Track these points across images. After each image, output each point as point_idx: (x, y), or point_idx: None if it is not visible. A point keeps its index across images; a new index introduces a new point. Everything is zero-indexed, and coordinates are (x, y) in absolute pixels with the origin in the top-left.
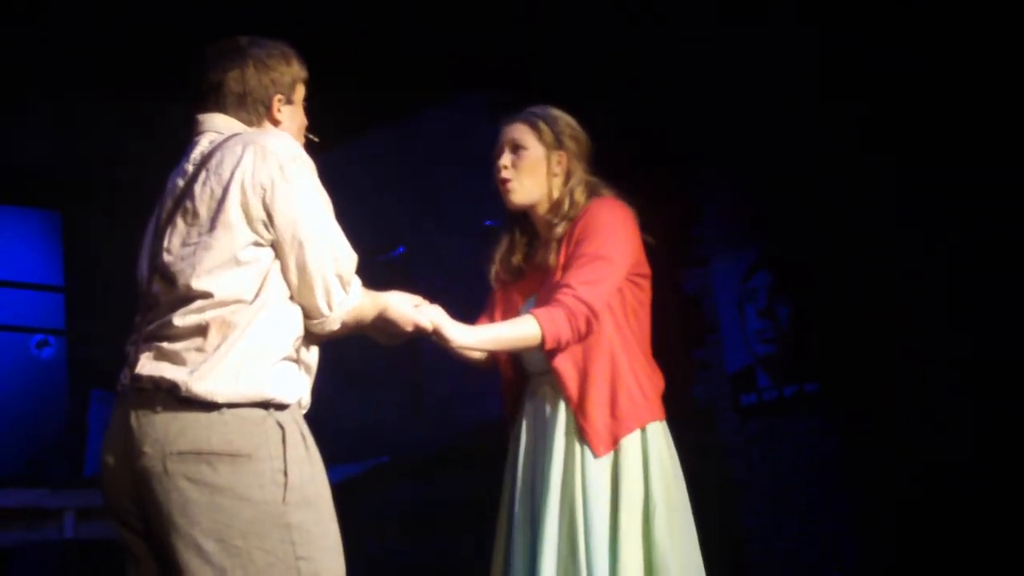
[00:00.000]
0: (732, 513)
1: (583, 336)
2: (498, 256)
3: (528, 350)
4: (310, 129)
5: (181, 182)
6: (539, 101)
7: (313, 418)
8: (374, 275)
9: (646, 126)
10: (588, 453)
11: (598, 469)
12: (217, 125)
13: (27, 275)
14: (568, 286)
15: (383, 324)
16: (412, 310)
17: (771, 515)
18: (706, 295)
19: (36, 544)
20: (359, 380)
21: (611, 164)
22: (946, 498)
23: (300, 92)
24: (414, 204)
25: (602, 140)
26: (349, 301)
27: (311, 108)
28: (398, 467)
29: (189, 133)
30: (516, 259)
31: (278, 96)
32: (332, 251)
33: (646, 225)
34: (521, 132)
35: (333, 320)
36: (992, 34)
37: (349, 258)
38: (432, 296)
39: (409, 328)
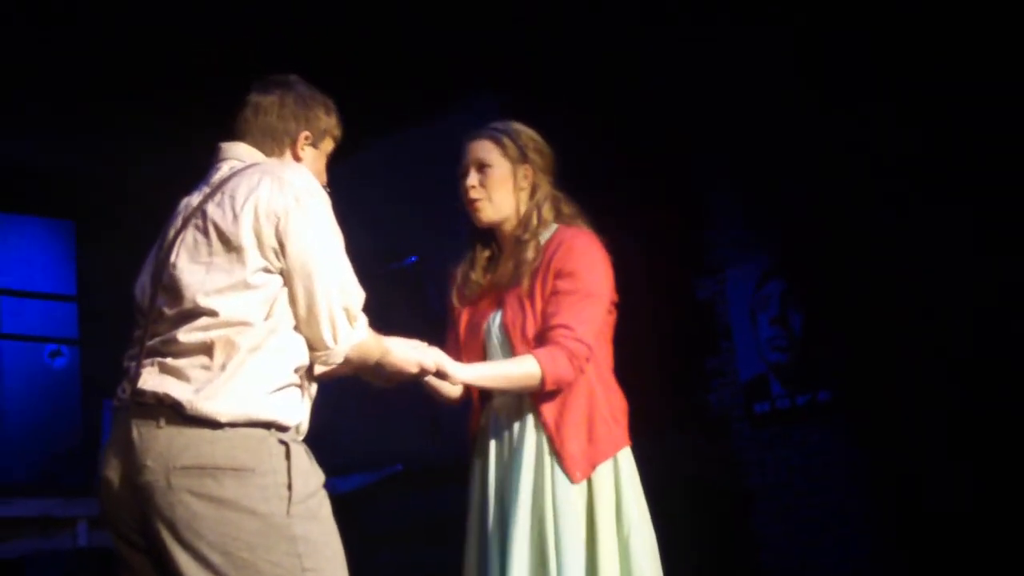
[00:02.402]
0: (745, 521)
1: (581, 375)
2: (460, 274)
3: (527, 389)
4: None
5: (195, 202)
6: (550, 104)
7: (329, 429)
8: (387, 284)
9: (658, 133)
10: (560, 478)
11: (572, 493)
12: (239, 153)
13: (40, 285)
14: (566, 327)
15: (384, 368)
16: (414, 352)
17: (784, 523)
18: (720, 302)
19: (50, 552)
20: (374, 392)
21: (623, 170)
22: (959, 506)
23: (328, 145)
24: (426, 212)
25: (614, 146)
26: (355, 336)
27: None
28: (411, 476)
29: (211, 159)
30: (476, 276)
31: (306, 134)
32: (341, 284)
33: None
34: (486, 150)
35: (338, 353)
36: (1002, 33)
37: (357, 294)
38: (444, 305)
39: (414, 369)
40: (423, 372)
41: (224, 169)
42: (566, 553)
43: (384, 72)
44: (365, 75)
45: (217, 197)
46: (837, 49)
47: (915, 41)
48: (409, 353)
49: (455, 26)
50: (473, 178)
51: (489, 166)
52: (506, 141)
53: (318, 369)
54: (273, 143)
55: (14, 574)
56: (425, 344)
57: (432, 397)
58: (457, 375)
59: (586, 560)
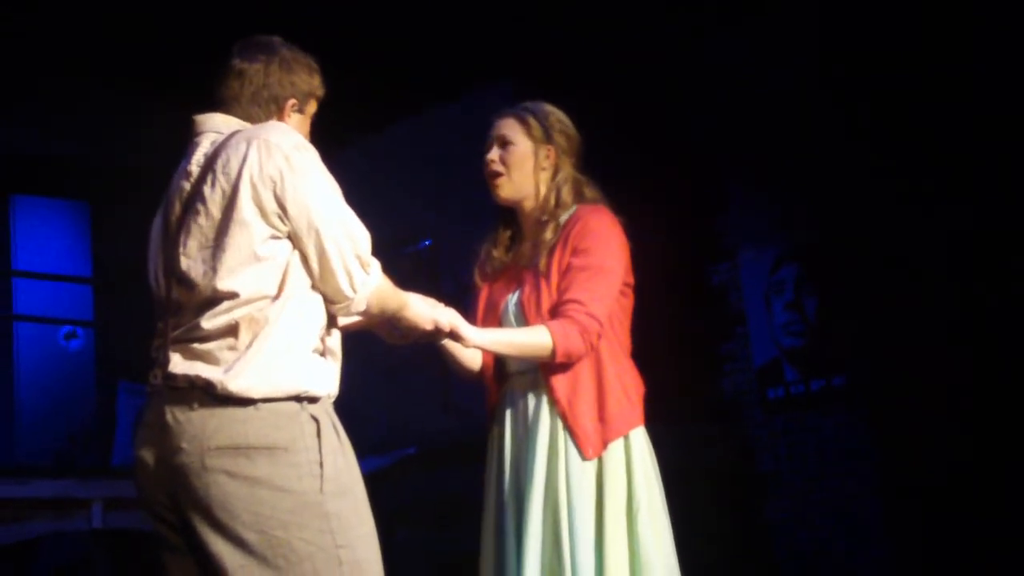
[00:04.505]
0: (759, 506)
1: (592, 350)
2: (483, 253)
3: (536, 360)
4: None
5: (187, 184)
6: (564, 92)
7: (343, 411)
8: (402, 267)
9: (672, 120)
10: (574, 454)
11: (584, 471)
12: (216, 124)
13: (56, 267)
14: (578, 302)
15: (401, 322)
16: (431, 310)
17: (798, 508)
18: (733, 288)
19: (65, 533)
20: (388, 374)
21: (638, 158)
22: (974, 491)
23: (312, 107)
24: (440, 197)
25: (629, 133)
26: (371, 281)
27: (326, 107)
28: (425, 458)
29: (188, 134)
30: (498, 254)
31: (292, 101)
32: (348, 233)
33: (649, 225)
34: (510, 127)
35: (358, 301)
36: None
37: (364, 238)
38: (458, 287)
39: (429, 326)
40: (438, 331)
41: (205, 144)
42: (578, 530)
43: (400, 59)
44: (381, 62)
45: (209, 176)
46: (852, 39)
47: (926, 29)
48: (426, 310)
49: (472, 14)
50: (494, 153)
51: (511, 143)
52: (531, 120)
53: (341, 322)
54: (260, 111)
55: (30, 554)
56: (442, 304)
57: (448, 368)
58: (470, 338)
59: (595, 537)
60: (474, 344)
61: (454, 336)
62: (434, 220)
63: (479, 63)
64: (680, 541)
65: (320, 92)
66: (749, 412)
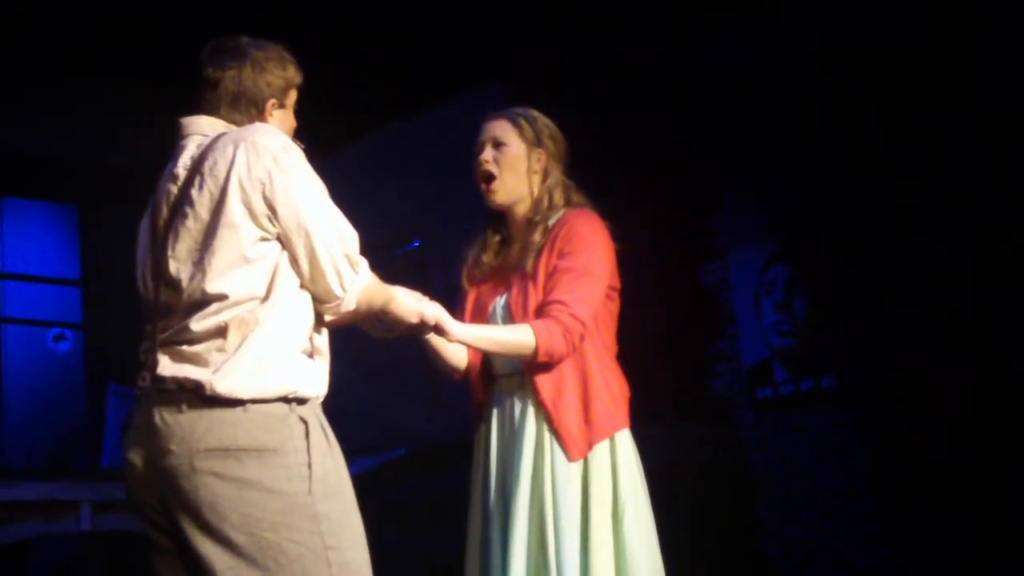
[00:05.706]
0: (749, 506)
1: (574, 351)
2: (471, 256)
3: (519, 358)
4: (300, 134)
5: (174, 188)
6: (558, 93)
7: (332, 412)
8: (391, 268)
9: (665, 121)
10: (559, 456)
11: (570, 472)
12: (202, 127)
13: (44, 269)
14: (562, 303)
15: (387, 316)
16: (417, 303)
17: (789, 508)
18: (724, 288)
19: (54, 535)
20: (377, 375)
21: (629, 157)
22: (964, 492)
23: (292, 97)
24: (430, 198)
25: (620, 133)
26: (361, 280)
27: (316, 108)
28: (414, 459)
29: (174, 137)
30: (487, 257)
31: (271, 100)
32: (337, 233)
33: (633, 231)
34: (503, 129)
35: (348, 301)
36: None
37: (353, 238)
38: (448, 288)
39: (414, 319)
40: (423, 324)
41: (191, 147)
42: (564, 531)
43: (392, 60)
44: (379, 62)
45: (197, 179)
46: (852, 39)
47: (926, 29)
48: (411, 303)
49: (471, 14)
50: (488, 154)
51: (504, 144)
52: (523, 123)
53: (327, 318)
54: (241, 115)
55: (19, 557)
56: (427, 298)
57: (433, 366)
58: (454, 332)
59: (580, 538)
60: (457, 338)
61: (438, 330)
62: (432, 220)
63: (478, 63)
64: (670, 541)
65: (298, 80)
66: (739, 412)
